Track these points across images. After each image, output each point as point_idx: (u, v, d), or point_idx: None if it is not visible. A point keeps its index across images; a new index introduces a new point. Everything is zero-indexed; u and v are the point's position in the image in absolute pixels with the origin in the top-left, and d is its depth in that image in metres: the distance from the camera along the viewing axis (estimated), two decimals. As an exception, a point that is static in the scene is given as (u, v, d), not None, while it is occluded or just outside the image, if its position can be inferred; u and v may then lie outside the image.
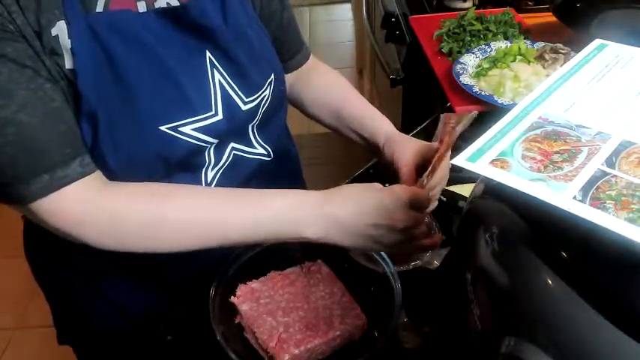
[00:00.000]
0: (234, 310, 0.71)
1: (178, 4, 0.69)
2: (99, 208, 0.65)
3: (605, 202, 0.38)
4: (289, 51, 0.92)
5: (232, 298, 0.71)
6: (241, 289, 0.72)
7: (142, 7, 0.68)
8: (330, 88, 0.95)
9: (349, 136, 0.92)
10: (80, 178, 0.64)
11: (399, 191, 0.65)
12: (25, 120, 0.60)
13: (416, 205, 0.65)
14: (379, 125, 0.88)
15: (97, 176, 0.66)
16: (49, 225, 0.65)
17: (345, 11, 4.02)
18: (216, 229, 0.66)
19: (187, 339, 0.75)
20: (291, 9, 0.90)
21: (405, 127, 1.12)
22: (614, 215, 0.37)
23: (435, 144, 0.79)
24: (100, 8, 0.65)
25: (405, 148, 0.81)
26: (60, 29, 0.62)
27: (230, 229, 0.66)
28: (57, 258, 0.83)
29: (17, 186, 0.61)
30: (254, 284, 0.73)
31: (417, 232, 0.66)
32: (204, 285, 0.72)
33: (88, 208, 0.64)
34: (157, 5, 0.68)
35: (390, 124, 0.88)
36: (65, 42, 0.63)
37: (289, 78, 0.92)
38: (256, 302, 0.71)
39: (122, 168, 0.69)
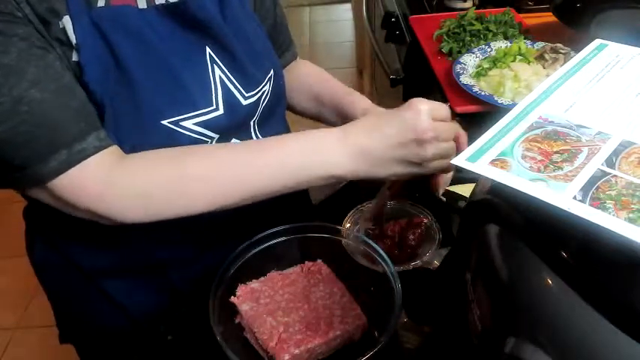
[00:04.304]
0: (234, 310, 0.71)
1: (177, 0, 0.70)
2: (120, 180, 0.64)
3: (605, 202, 0.38)
4: (279, 49, 0.92)
5: (232, 298, 0.71)
6: (241, 289, 0.72)
7: (141, 3, 0.68)
8: (309, 76, 0.95)
9: (332, 120, 0.91)
10: (97, 152, 0.63)
11: (417, 103, 0.64)
12: (38, 96, 0.60)
13: (437, 115, 0.64)
14: (358, 103, 0.86)
15: (115, 150, 0.66)
16: (71, 203, 0.64)
17: (345, 11, 4.02)
18: (242, 180, 0.65)
19: (187, 339, 0.75)
20: (282, 7, 0.91)
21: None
22: (614, 215, 0.37)
23: None
24: (101, 3, 0.65)
25: None
26: (66, 22, 0.63)
27: (255, 178, 0.65)
28: (59, 257, 0.83)
29: (34, 166, 0.61)
30: (254, 284, 0.73)
31: (445, 145, 0.64)
32: (205, 285, 0.72)
33: (110, 181, 0.64)
34: (157, 1, 0.69)
35: (368, 101, 0.86)
36: (71, 35, 0.63)
37: None
38: (256, 302, 0.71)
39: None
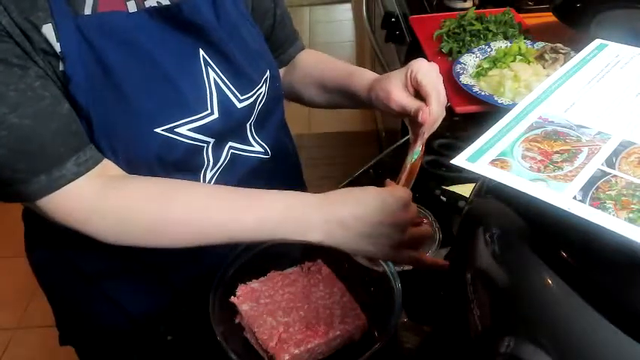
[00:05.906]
0: (234, 310, 0.71)
1: (169, 2, 0.68)
2: (102, 207, 0.65)
3: (605, 202, 0.38)
4: (282, 46, 0.92)
5: (232, 298, 0.71)
6: (241, 289, 0.72)
7: (132, 7, 0.66)
8: (311, 67, 0.94)
9: (343, 103, 0.91)
10: (77, 178, 0.63)
11: (400, 191, 0.65)
12: (17, 122, 0.59)
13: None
14: (362, 77, 0.85)
15: (104, 168, 0.66)
16: (58, 221, 0.65)
17: (345, 11, 4.02)
18: (219, 231, 0.66)
19: (187, 339, 0.75)
20: (284, 3, 0.90)
21: (404, 127, 1.12)
22: (614, 215, 0.37)
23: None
24: (88, 10, 0.63)
25: (388, 85, 0.79)
26: (48, 31, 0.61)
27: (232, 231, 0.66)
28: (58, 259, 0.83)
29: (18, 186, 0.62)
30: (254, 284, 0.73)
31: (412, 234, 0.66)
32: (205, 285, 0.72)
33: (91, 207, 0.65)
34: (148, 4, 0.67)
35: (371, 73, 0.86)
36: (55, 44, 0.62)
37: (281, 72, 0.92)
38: (256, 302, 0.71)
39: (122, 170, 0.69)
